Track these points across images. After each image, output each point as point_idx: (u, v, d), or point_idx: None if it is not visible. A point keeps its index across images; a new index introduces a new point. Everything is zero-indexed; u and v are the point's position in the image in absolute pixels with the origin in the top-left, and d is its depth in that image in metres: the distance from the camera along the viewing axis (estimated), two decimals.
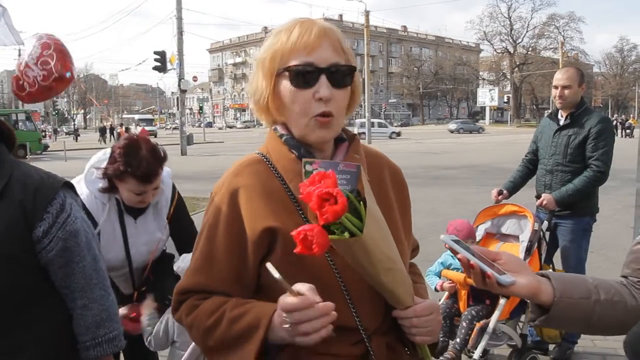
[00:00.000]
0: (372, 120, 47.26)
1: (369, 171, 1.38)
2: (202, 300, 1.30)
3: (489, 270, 1.13)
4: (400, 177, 1.53)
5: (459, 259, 1.16)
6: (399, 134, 46.52)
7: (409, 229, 1.49)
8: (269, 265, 1.11)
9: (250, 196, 1.30)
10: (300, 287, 1.14)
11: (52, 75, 3.55)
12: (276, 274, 1.08)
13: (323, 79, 1.27)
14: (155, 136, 42.66)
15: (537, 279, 1.17)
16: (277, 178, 1.32)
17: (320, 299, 1.14)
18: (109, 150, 2.34)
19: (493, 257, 1.19)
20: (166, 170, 2.40)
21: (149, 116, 47.62)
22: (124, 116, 71.13)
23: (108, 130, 43.09)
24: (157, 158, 2.28)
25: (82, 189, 2.32)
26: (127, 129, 27.90)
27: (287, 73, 1.28)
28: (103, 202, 2.35)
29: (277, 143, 1.37)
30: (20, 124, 31.20)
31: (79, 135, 52.58)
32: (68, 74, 3.61)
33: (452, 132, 53.29)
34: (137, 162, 2.21)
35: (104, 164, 2.30)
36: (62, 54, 3.62)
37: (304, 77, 1.27)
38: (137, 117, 58.89)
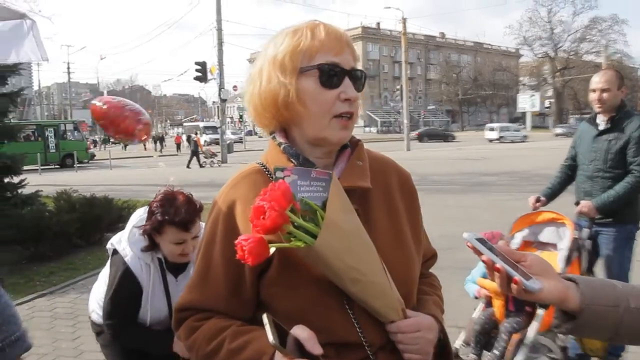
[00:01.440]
0: (506, 124, 47.57)
1: (374, 177, 1.35)
2: (201, 322, 1.27)
3: (516, 275, 1.05)
4: (409, 183, 1.48)
5: (482, 261, 1.09)
6: (526, 137, 45.95)
7: (418, 236, 1.43)
8: (265, 320, 1.08)
9: (246, 208, 1.26)
10: (300, 332, 1.10)
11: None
12: (270, 337, 1.05)
13: (347, 81, 1.27)
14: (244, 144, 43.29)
15: (564, 284, 1.10)
16: None
17: (321, 349, 1.09)
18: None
19: (517, 258, 1.11)
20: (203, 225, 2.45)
21: (214, 123, 48.29)
22: (188, 124, 72.08)
23: (158, 140, 44.14)
24: (194, 206, 2.35)
25: (126, 250, 2.39)
26: (189, 137, 28.22)
27: (315, 71, 1.26)
28: (147, 263, 2.39)
29: (277, 152, 1.34)
30: (68, 133, 32.17)
31: (127, 144, 53.91)
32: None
33: (491, 141, 47.79)
34: (175, 210, 2.29)
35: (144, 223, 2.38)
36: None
37: (330, 76, 1.26)
38: (202, 124, 59.51)
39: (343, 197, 1.17)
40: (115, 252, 2.44)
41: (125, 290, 2.35)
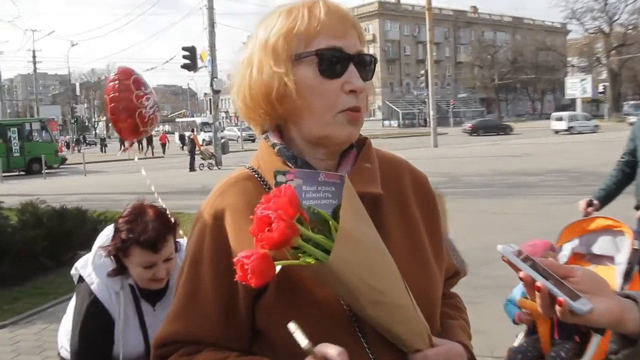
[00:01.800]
0: (575, 113, 47.89)
1: (385, 181, 1.35)
2: (189, 357, 1.26)
3: (561, 295, 1.03)
4: (427, 187, 1.48)
5: (521, 279, 1.07)
6: (597, 127, 46.26)
7: (439, 250, 1.42)
8: (291, 327, 1.08)
9: (236, 220, 1.26)
10: (329, 350, 1.09)
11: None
12: (304, 342, 1.06)
13: (352, 68, 1.26)
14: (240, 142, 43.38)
15: (620, 303, 1.08)
16: None
17: None
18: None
19: (564, 274, 1.09)
20: (184, 243, 2.41)
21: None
22: (181, 120, 72.10)
23: (145, 140, 44.39)
24: (165, 223, 2.31)
25: (92, 276, 2.36)
26: (182, 136, 28.31)
27: (314, 58, 1.25)
28: (115, 291, 2.36)
29: (270, 154, 1.34)
30: (35, 134, 32.47)
31: (106, 145, 53.94)
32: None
33: (557, 132, 47.05)
34: (142, 228, 2.25)
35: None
36: None
37: (332, 63, 1.25)
38: (199, 120, 59.66)
39: (358, 204, 1.16)
40: (81, 279, 2.41)
41: (93, 325, 2.32)
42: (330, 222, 1.11)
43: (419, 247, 1.35)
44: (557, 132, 46.71)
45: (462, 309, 1.54)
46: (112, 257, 2.33)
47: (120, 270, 2.35)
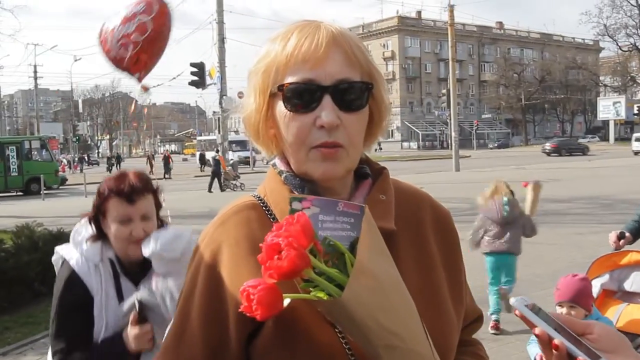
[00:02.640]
0: None
1: (402, 215, 1.33)
2: None
3: (580, 355, 1.00)
4: (449, 224, 1.45)
5: (536, 335, 1.05)
6: None
7: (459, 293, 1.39)
8: None
9: (234, 253, 1.25)
10: None
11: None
12: None
13: (327, 100, 1.22)
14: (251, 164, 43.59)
15: None
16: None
17: None
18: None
19: (582, 330, 1.07)
20: (187, 230, 2.48)
21: (243, 137, 48.86)
22: (202, 139, 72.32)
23: (147, 159, 44.69)
24: (144, 181, 2.47)
25: (72, 253, 2.46)
26: (202, 155, 28.55)
27: (280, 93, 1.24)
28: (95, 264, 2.43)
29: (276, 182, 1.33)
30: (34, 153, 32.78)
31: (113, 164, 53.83)
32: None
33: (549, 154, 51.48)
34: (119, 182, 2.43)
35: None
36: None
37: (301, 98, 1.22)
38: (230, 138, 60.23)
39: (378, 238, 1.14)
40: (62, 264, 2.50)
41: (70, 299, 2.37)
42: (347, 256, 1.08)
43: (435, 288, 1.33)
44: (636, 153, 47.61)
45: (483, 358, 1.50)
46: (91, 222, 2.47)
47: (99, 235, 2.46)
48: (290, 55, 1.23)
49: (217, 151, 30.68)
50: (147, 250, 2.34)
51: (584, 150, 53.18)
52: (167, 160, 42.10)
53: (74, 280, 2.38)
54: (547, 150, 53.28)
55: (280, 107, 1.25)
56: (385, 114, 1.34)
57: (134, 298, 2.34)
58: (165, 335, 1.34)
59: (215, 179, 27.82)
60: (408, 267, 1.30)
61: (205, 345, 1.24)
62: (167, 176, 39.87)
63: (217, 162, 28.18)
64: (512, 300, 1.07)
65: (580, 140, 66.17)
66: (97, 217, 2.46)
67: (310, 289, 1.07)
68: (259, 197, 1.35)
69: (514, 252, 6.70)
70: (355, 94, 1.25)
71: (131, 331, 2.33)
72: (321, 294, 1.05)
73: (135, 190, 2.41)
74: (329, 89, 1.22)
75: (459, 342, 1.39)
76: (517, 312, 1.06)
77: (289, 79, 1.23)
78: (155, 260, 2.35)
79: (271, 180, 1.35)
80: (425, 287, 1.31)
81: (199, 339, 1.25)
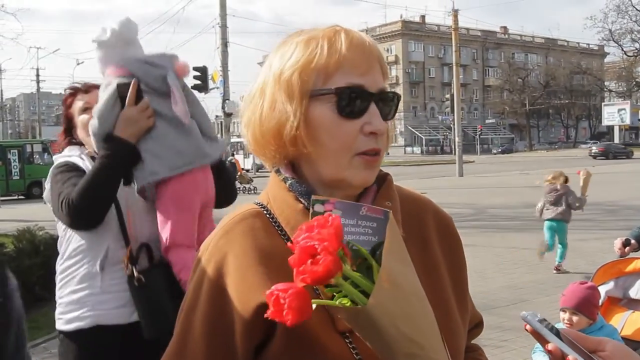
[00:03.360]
0: None
1: (406, 221, 1.33)
2: None
3: None
4: (451, 229, 1.45)
5: (548, 352, 1.05)
6: None
7: (464, 298, 1.40)
8: None
9: (241, 264, 1.23)
10: None
11: None
12: None
13: (374, 108, 1.23)
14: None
15: None
16: (279, 236, 1.25)
17: None
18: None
19: (594, 347, 1.06)
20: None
21: None
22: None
23: None
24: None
25: (60, 159, 2.77)
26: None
27: (332, 96, 1.22)
28: (81, 157, 2.72)
29: (281, 189, 1.31)
30: (36, 156, 32.81)
31: None
32: None
33: (595, 157, 52.18)
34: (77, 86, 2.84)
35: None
36: None
37: (352, 103, 1.22)
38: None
39: (401, 245, 1.13)
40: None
41: (72, 175, 2.58)
42: (374, 263, 1.07)
43: (442, 294, 1.33)
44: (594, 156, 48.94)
45: None
46: (63, 122, 2.84)
47: (67, 131, 2.80)
48: (343, 57, 1.22)
49: (233, 154, 30.74)
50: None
51: (628, 154, 54.40)
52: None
53: (69, 165, 2.65)
54: (594, 154, 54.40)
55: (323, 111, 1.23)
56: (394, 126, 1.37)
57: (113, 85, 2.55)
58: (168, 347, 1.32)
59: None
60: (416, 273, 1.30)
61: (209, 357, 1.23)
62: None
63: (233, 165, 28.26)
64: (523, 314, 1.07)
65: (582, 146, 66.40)
66: (67, 117, 2.78)
67: (334, 294, 1.06)
68: (262, 205, 1.32)
69: (565, 220, 9.50)
70: (392, 103, 1.28)
71: (127, 112, 2.51)
72: (345, 300, 1.05)
73: (92, 85, 2.77)
74: (376, 97, 1.24)
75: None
76: (527, 327, 1.06)
77: (338, 83, 1.22)
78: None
79: (275, 187, 1.33)
80: (433, 293, 1.29)
81: (202, 351, 1.23)
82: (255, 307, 1.17)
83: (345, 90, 1.21)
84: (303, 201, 1.27)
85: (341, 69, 1.22)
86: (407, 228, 1.32)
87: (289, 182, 1.30)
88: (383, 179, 1.36)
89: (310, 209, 1.14)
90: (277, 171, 1.34)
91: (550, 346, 1.04)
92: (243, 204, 1.37)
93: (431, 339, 1.14)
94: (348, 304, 1.04)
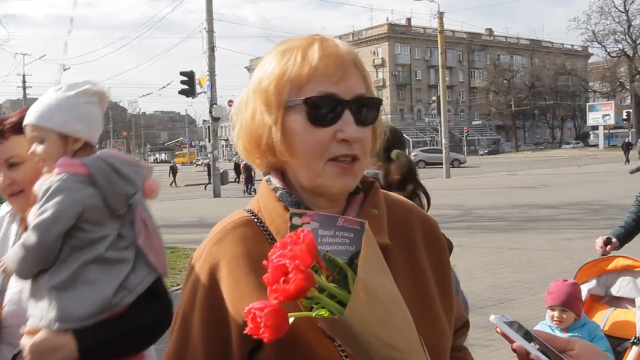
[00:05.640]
0: None
1: (394, 227, 1.34)
2: None
3: None
4: (437, 234, 1.47)
5: (514, 350, 1.08)
6: None
7: (448, 300, 1.42)
8: None
9: (233, 271, 1.25)
10: None
11: None
12: None
13: (347, 115, 1.24)
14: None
15: None
16: (269, 243, 1.27)
17: None
18: None
19: (562, 347, 1.10)
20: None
21: None
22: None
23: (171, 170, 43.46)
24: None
25: None
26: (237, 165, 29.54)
27: (303, 106, 1.24)
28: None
29: (271, 199, 1.33)
30: None
31: None
32: None
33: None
34: None
35: None
36: None
37: (323, 111, 1.24)
38: None
39: (377, 254, 1.15)
40: None
41: None
42: (349, 273, 1.10)
43: (427, 297, 1.34)
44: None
45: None
46: None
47: None
48: (314, 68, 1.24)
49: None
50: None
51: None
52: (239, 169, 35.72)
53: None
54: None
55: (297, 120, 1.25)
56: (382, 130, 1.37)
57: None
58: (166, 352, 1.34)
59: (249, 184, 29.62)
60: (401, 278, 1.30)
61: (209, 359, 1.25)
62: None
63: (248, 167, 29.14)
64: (492, 318, 1.09)
65: (565, 147, 66.00)
66: None
67: (313, 305, 1.08)
68: (252, 212, 1.34)
69: None
70: (370, 109, 1.29)
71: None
72: (323, 311, 1.07)
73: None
74: (349, 104, 1.25)
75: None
76: (497, 329, 1.09)
77: (311, 92, 1.24)
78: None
79: (265, 197, 1.35)
80: (419, 297, 1.32)
81: (201, 354, 1.25)
82: None
83: (316, 100, 1.23)
84: (296, 209, 1.28)
85: (313, 79, 1.24)
86: (393, 234, 1.34)
87: (279, 192, 1.32)
88: (370, 186, 1.38)
89: (289, 222, 1.15)
90: (268, 180, 1.36)
91: (514, 345, 1.07)
92: (235, 212, 1.39)
93: (409, 342, 1.16)
94: (326, 315, 1.06)
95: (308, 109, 1.24)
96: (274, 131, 1.26)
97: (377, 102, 1.30)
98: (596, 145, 79.42)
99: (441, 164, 48.70)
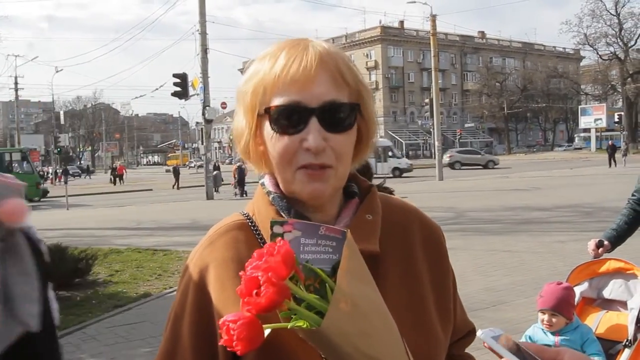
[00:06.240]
0: None
1: (390, 233, 1.33)
2: None
3: None
4: (438, 239, 1.44)
5: None
6: None
7: (446, 309, 1.39)
8: None
9: (221, 275, 1.25)
10: None
11: None
12: None
13: (313, 122, 1.21)
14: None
15: None
16: (261, 248, 1.26)
17: None
18: None
19: (552, 358, 1.09)
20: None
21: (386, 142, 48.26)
22: None
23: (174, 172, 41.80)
24: None
25: None
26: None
27: (267, 115, 1.24)
28: None
29: (264, 203, 1.33)
30: (15, 165, 32.46)
31: (118, 176, 51.80)
32: None
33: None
34: None
35: None
36: None
37: (288, 119, 1.22)
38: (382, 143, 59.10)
39: (359, 263, 1.13)
40: None
41: None
42: (327, 283, 1.08)
43: (421, 307, 1.32)
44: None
45: None
46: None
47: None
48: (277, 77, 1.22)
49: (239, 161, 31.35)
50: None
51: None
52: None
53: None
54: None
55: (267, 128, 1.25)
56: (373, 132, 1.33)
57: None
58: (158, 354, 1.33)
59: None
60: (394, 285, 1.30)
61: None
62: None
63: (241, 170, 29.92)
64: (479, 333, 1.07)
65: (557, 149, 66.05)
66: None
67: (292, 316, 1.06)
68: (247, 216, 1.35)
69: None
70: (343, 115, 1.24)
71: None
72: (301, 322, 1.05)
73: None
74: (315, 111, 1.21)
75: (451, 357, 1.40)
76: (485, 344, 1.08)
77: (276, 101, 1.22)
78: None
79: (259, 201, 1.35)
80: (411, 306, 1.30)
81: (190, 357, 1.26)
82: None
83: (278, 109, 1.22)
84: (284, 215, 1.28)
85: (278, 87, 1.22)
86: (390, 238, 1.32)
87: (272, 196, 1.32)
88: (367, 191, 1.37)
89: (270, 230, 1.13)
90: (262, 184, 1.36)
91: None
92: (231, 214, 1.38)
93: (392, 354, 1.14)
94: (304, 326, 1.05)
95: (272, 118, 1.23)
96: (248, 136, 1.28)
97: (351, 107, 1.26)
98: (581, 148, 79.91)
99: (477, 164, 49.72)
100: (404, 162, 45.16)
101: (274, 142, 1.24)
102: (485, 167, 49.55)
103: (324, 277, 1.09)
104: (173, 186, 39.81)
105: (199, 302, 1.26)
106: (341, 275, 1.07)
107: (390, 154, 43.82)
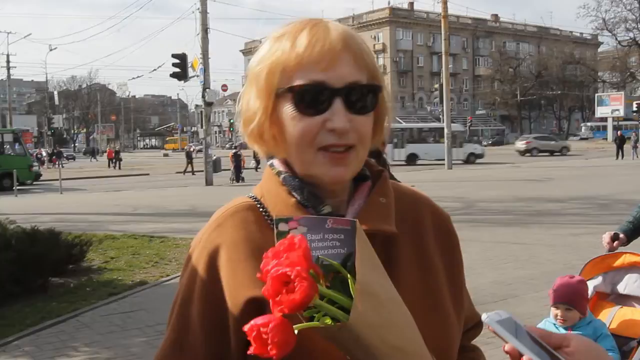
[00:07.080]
0: None
1: (402, 219, 1.34)
2: None
3: None
4: (449, 228, 1.46)
5: (506, 352, 1.07)
6: None
7: (459, 296, 1.41)
8: None
9: (231, 257, 1.25)
10: None
11: None
12: None
13: (338, 103, 1.23)
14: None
15: None
16: (271, 230, 1.25)
17: None
18: None
19: (558, 343, 1.09)
20: None
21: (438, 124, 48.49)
22: None
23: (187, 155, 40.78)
24: None
25: None
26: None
27: (289, 94, 1.25)
28: None
29: (274, 183, 1.34)
30: (6, 146, 32.42)
31: (120, 159, 51.87)
32: None
33: (522, 154, 50.77)
34: None
35: None
36: None
37: (312, 100, 1.24)
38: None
39: (371, 253, 1.13)
40: None
41: None
42: (348, 276, 1.08)
43: (436, 292, 1.34)
44: (522, 153, 49.07)
45: None
46: None
47: None
48: (301, 56, 1.23)
49: (236, 147, 31.52)
50: None
51: None
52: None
53: None
54: None
55: (287, 108, 1.25)
56: (388, 114, 1.36)
57: None
58: (165, 340, 1.33)
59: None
60: (409, 270, 1.31)
61: (208, 349, 1.25)
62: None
63: (237, 156, 30.24)
64: (484, 317, 1.07)
65: (572, 138, 65.93)
66: None
67: (314, 315, 1.05)
68: (255, 198, 1.35)
69: None
70: (365, 97, 1.27)
71: None
72: (327, 320, 1.05)
73: None
74: (341, 92, 1.23)
75: (460, 347, 1.40)
76: (490, 327, 1.07)
77: (299, 81, 1.23)
78: None
79: (268, 181, 1.35)
80: (427, 291, 1.32)
81: (201, 347, 1.26)
82: (244, 302, 1.21)
83: (302, 89, 1.23)
84: (296, 195, 1.29)
85: (301, 66, 1.23)
86: (401, 225, 1.33)
87: (283, 175, 1.32)
88: (378, 175, 1.38)
89: (275, 229, 1.13)
90: (271, 165, 1.37)
91: (506, 347, 1.05)
92: (237, 197, 1.39)
93: (413, 342, 1.15)
94: (330, 322, 1.05)
95: (295, 97, 1.24)
96: (262, 118, 1.28)
97: (373, 89, 1.28)
98: (587, 139, 79.73)
99: (554, 151, 50.14)
100: (479, 148, 46.04)
101: (295, 122, 1.25)
102: (561, 153, 49.86)
103: (342, 270, 1.09)
104: (184, 172, 38.48)
105: (208, 288, 1.26)
106: (360, 266, 1.07)
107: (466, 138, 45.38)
